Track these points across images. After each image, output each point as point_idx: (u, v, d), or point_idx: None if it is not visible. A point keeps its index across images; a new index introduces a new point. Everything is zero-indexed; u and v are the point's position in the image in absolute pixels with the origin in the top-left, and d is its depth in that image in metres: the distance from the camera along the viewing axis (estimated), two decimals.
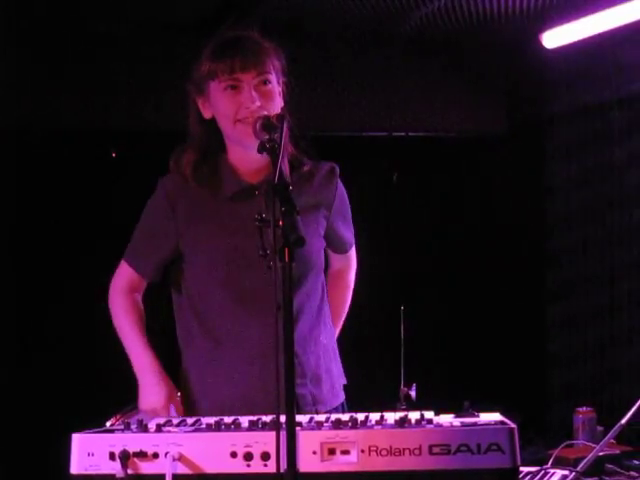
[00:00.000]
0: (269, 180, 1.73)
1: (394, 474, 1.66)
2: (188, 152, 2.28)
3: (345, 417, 1.78)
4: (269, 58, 2.21)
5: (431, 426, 1.71)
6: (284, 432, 1.57)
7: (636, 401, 2.03)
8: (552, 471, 2.17)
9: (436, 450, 1.66)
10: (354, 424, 1.74)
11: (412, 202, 5.23)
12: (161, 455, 1.72)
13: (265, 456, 1.69)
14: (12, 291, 4.47)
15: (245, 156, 2.24)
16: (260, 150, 1.89)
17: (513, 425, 1.69)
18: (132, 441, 1.74)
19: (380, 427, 1.73)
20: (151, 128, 4.59)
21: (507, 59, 5.09)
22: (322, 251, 2.37)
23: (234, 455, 1.71)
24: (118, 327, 2.34)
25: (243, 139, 2.17)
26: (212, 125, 2.26)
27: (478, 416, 1.80)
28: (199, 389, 2.30)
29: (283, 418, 1.58)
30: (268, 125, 1.98)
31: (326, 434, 1.70)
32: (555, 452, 2.36)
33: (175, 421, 1.91)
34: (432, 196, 5.28)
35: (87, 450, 1.74)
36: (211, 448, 1.72)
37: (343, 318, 2.58)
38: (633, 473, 2.39)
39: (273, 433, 1.62)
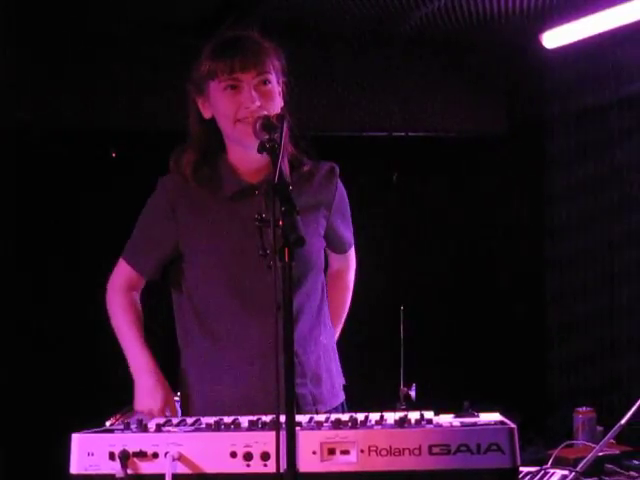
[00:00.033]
0: (269, 180, 1.73)
1: (394, 474, 1.66)
2: (188, 152, 2.28)
3: (345, 417, 1.78)
4: (269, 58, 2.20)
5: (431, 426, 1.71)
6: (284, 432, 1.57)
7: (636, 401, 2.03)
8: (552, 471, 2.17)
9: (436, 450, 1.66)
10: (354, 424, 1.74)
11: (412, 202, 5.23)
12: (161, 455, 1.73)
13: (265, 456, 1.69)
14: (12, 291, 4.47)
15: (245, 156, 2.24)
16: (260, 150, 1.89)
17: (513, 425, 1.69)
18: (132, 441, 1.74)
19: (380, 427, 1.73)
20: (151, 128, 4.59)
21: (507, 59, 5.09)
22: (322, 251, 2.37)
23: (234, 455, 1.71)
24: (116, 326, 2.34)
25: (243, 139, 2.17)
26: (212, 125, 2.26)
27: (478, 416, 1.80)
28: (199, 389, 2.30)
29: (283, 418, 1.58)
30: (268, 125, 1.98)
31: (326, 434, 1.70)
32: (555, 452, 2.36)
33: (175, 421, 1.92)
34: (432, 196, 5.28)
35: (87, 450, 1.74)
36: (211, 448, 1.72)
37: (343, 320, 2.58)
38: (633, 473, 2.39)
39: (273, 433, 1.62)
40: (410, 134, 5.14)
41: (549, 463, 2.28)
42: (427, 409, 1.85)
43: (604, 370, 4.91)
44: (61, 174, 4.55)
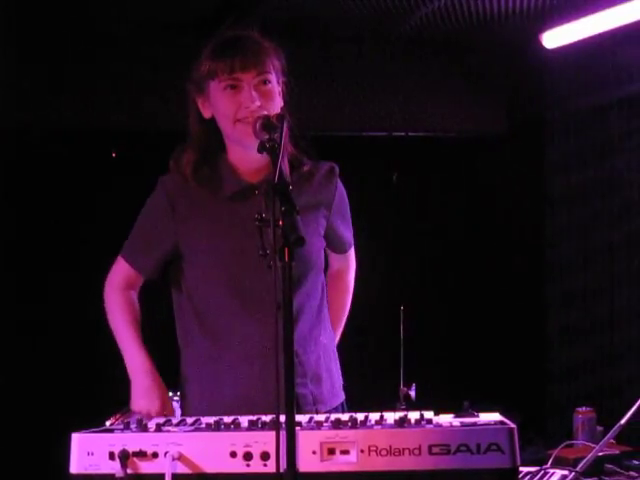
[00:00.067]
0: (269, 180, 1.73)
1: (394, 474, 1.66)
2: (188, 152, 2.28)
3: (345, 417, 1.78)
4: (269, 58, 2.20)
5: (431, 426, 1.71)
6: (284, 432, 1.57)
7: (636, 401, 2.03)
8: (552, 471, 2.17)
9: (436, 450, 1.66)
10: (354, 424, 1.74)
11: (412, 202, 5.23)
12: (161, 455, 1.72)
13: (265, 456, 1.69)
14: (12, 291, 4.47)
15: (245, 156, 2.24)
16: (260, 150, 1.89)
17: (513, 425, 1.69)
18: (132, 441, 1.74)
19: (380, 427, 1.73)
20: (151, 128, 4.59)
21: (507, 59, 5.09)
22: (322, 251, 2.37)
23: (234, 455, 1.71)
24: (113, 326, 2.34)
25: (243, 139, 2.17)
26: (212, 125, 2.26)
27: (478, 416, 1.80)
28: (199, 389, 2.30)
29: (283, 418, 1.58)
30: (268, 125, 1.97)
31: (326, 434, 1.70)
32: (555, 452, 2.36)
33: (175, 421, 1.91)
34: (432, 196, 5.28)
35: (87, 450, 1.74)
36: (211, 448, 1.72)
37: (343, 323, 2.57)
38: (633, 473, 2.38)
39: (273, 433, 1.62)
40: (410, 134, 5.14)
41: (549, 463, 2.28)
42: (427, 409, 1.85)
43: (604, 371, 4.91)
44: (61, 174, 4.55)
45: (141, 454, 1.73)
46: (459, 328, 5.15)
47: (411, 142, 5.15)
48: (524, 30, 4.60)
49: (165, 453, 1.72)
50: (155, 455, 1.73)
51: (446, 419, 1.79)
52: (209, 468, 1.72)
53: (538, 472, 2.17)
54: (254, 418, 1.83)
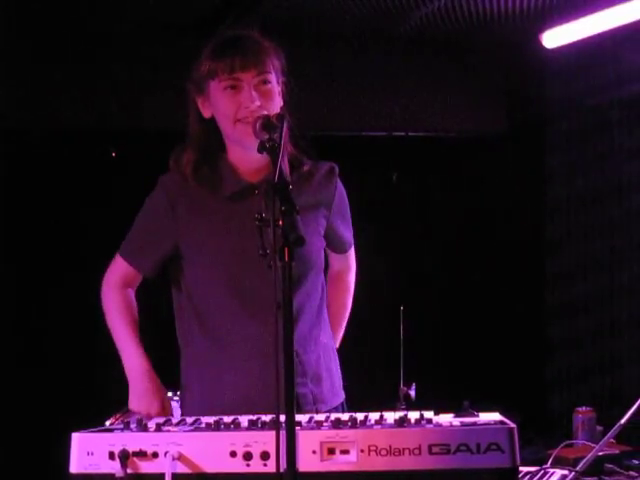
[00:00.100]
0: (269, 179, 1.73)
1: (393, 474, 1.66)
2: (188, 151, 2.28)
3: (345, 417, 1.78)
4: (269, 57, 2.20)
5: (431, 426, 1.71)
6: (284, 431, 1.57)
7: (636, 401, 2.03)
8: (552, 471, 2.17)
9: (436, 450, 1.66)
10: (354, 424, 1.74)
11: (412, 202, 5.23)
12: (160, 454, 1.73)
13: (265, 455, 1.69)
14: (12, 290, 4.47)
15: (245, 156, 2.24)
16: (260, 150, 1.89)
17: (513, 425, 1.69)
18: (131, 440, 1.74)
19: (380, 427, 1.73)
20: (151, 128, 4.59)
21: (507, 59, 5.09)
22: (322, 251, 2.37)
23: (234, 455, 1.71)
24: (110, 325, 2.33)
25: (243, 139, 2.17)
26: (212, 124, 2.26)
27: (477, 416, 1.80)
28: (199, 388, 2.29)
29: (283, 417, 1.58)
30: (268, 125, 1.97)
31: (326, 434, 1.70)
32: (555, 452, 2.36)
33: (174, 420, 1.92)
34: (432, 196, 5.28)
35: (87, 449, 1.74)
36: (211, 447, 1.72)
37: (344, 324, 2.56)
38: (632, 473, 2.38)
39: (273, 432, 1.62)
40: (410, 134, 5.14)
41: (549, 463, 2.28)
42: (427, 409, 1.85)
43: (604, 371, 4.91)
44: (61, 174, 4.55)
45: (141, 454, 1.73)
46: (459, 328, 5.15)
47: (411, 142, 5.15)
48: (524, 30, 4.60)
49: (165, 453, 1.72)
50: (155, 455, 1.73)
51: (446, 419, 1.79)
52: (209, 468, 1.72)
53: (538, 472, 2.17)
54: (254, 418, 1.83)
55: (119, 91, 4.59)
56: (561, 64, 4.87)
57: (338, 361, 2.43)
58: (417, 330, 4.51)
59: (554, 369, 5.24)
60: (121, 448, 1.73)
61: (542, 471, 2.17)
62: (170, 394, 2.33)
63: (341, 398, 2.39)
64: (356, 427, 1.72)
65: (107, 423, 2.27)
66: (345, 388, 2.43)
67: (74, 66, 4.51)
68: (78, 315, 4.28)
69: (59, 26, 4.39)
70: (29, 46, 4.43)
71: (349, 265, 2.57)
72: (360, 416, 1.80)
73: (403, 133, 5.12)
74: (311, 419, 1.84)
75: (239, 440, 1.71)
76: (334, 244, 2.44)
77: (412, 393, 4.01)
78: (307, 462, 1.67)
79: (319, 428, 1.73)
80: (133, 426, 1.82)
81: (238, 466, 1.70)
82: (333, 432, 1.70)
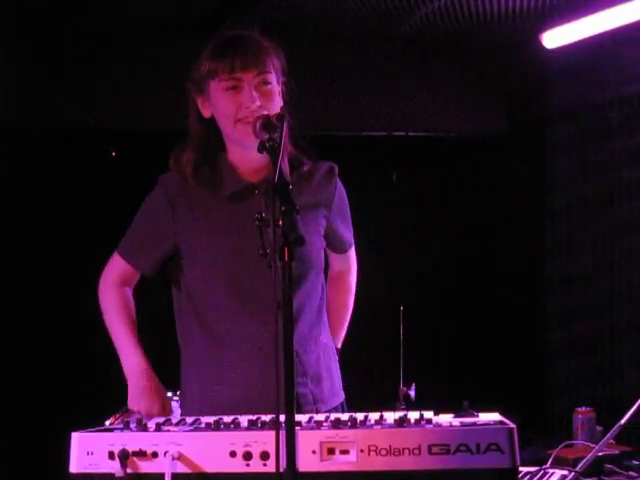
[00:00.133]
0: (269, 179, 1.73)
1: (393, 474, 1.66)
2: (188, 151, 2.28)
3: (344, 417, 1.78)
4: (269, 57, 2.20)
5: (430, 426, 1.71)
6: (283, 431, 1.57)
7: (636, 401, 2.03)
8: (551, 471, 2.17)
9: (435, 450, 1.66)
10: (353, 424, 1.74)
11: (412, 202, 5.23)
12: (160, 454, 1.72)
13: (264, 455, 1.69)
14: (12, 290, 4.47)
15: (245, 155, 2.24)
16: (260, 149, 1.90)
17: (512, 425, 1.69)
18: (131, 440, 1.74)
19: (379, 427, 1.73)
20: (151, 128, 4.59)
21: (507, 59, 5.09)
22: (322, 250, 2.37)
23: (233, 454, 1.71)
24: (108, 324, 2.33)
25: (243, 139, 2.17)
26: (212, 124, 2.26)
27: (477, 416, 1.80)
28: (199, 389, 2.29)
29: (283, 417, 1.58)
30: (268, 125, 1.98)
31: (325, 434, 1.70)
32: (554, 452, 2.35)
33: (174, 420, 1.91)
34: (432, 196, 5.28)
35: (86, 449, 1.74)
36: (210, 447, 1.72)
37: (346, 324, 2.56)
38: (632, 473, 2.38)
39: (272, 432, 1.62)
40: (410, 134, 5.14)
41: (549, 463, 2.28)
42: (427, 409, 1.85)
43: (604, 372, 4.91)
44: (61, 174, 4.56)
45: (141, 454, 1.73)
46: (459, 328, 5.15)
47: (411, 142, 5.15)
48: (524, 30, 4.60)
49: (165, 453, 1.72)
50: (155, 455, 1.73)
51: (446, 419, 1.79)
52: (209, 468, 1.72)
53: (538, 472, 2.17)
54: (254, 418, 1.83)
55: (119, 91, 4.59)
56: (561, 64, 4.87)
57: (337, 362, 2.43)
58: (417, 330, 4.51)
59: (554, 369, 5.23)
60: (121, 448, 1.73)
61: (542, 471, 2.17)
62: (170, 394, 2.33)
63: (341, 398, 2.39)
64: (356, 427, 1.72)
65: (107, 423, 2.27)
66: (345, 388, 2.43)
67: (74, 66, 4.51)
68: (78, 315, 4.28)
69: (59, 26, 4.39)
70: (29, 46, 4.43)
71: (349, 265, 2.57)
72: (360, 416, 1.80)
73: (403, 133, 5.12)
74: (311, 419, 1.84)
75: (239, 440, 1.71)
76: (334, 244, 2.44)
77: (412, 393, 4.01)
78: (307, 462, 1.67)
79: (319, 428, 1.73)
80: (133, 426, 1.82)
81: (238, 466, 1.70)
82: (333, 432, 1.70)
